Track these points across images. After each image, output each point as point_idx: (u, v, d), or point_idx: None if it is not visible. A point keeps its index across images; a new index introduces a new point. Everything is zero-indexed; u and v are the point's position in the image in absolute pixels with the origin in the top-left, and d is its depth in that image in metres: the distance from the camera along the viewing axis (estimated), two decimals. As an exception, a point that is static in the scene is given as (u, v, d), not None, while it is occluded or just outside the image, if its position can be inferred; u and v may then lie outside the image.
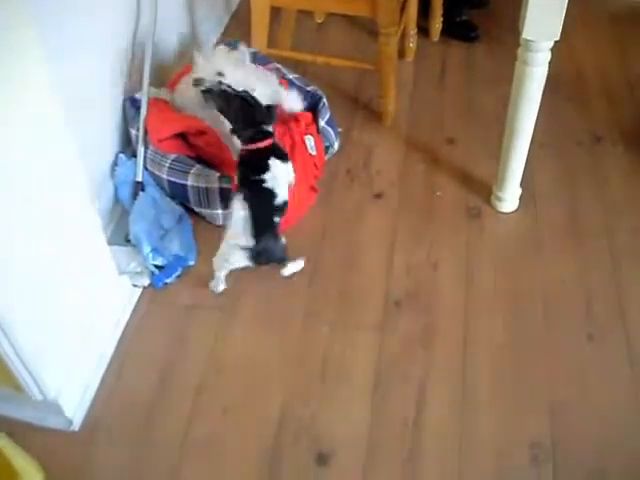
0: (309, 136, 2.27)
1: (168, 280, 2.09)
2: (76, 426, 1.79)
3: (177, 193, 2.19)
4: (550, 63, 1.91)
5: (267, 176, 1.94)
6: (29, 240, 1.55)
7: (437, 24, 3.06)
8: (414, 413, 1.80)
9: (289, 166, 2.01)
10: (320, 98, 2.42)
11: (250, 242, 1.92)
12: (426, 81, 2.89)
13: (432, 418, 1.79)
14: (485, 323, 2.00)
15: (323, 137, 2.38)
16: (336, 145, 2.46)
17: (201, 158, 2.27)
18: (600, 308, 2.03)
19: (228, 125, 2.03)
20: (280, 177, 1.97)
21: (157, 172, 2.19)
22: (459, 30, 3.10)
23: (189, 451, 1.75)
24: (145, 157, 2.21)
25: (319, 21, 3.20)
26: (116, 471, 1.73)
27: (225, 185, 2.14)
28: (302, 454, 1.73)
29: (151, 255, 2.03)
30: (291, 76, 2.47)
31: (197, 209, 2.22)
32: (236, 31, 3.02)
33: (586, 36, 3.03)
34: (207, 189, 2.15)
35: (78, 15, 1.92)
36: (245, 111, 1.97)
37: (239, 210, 1.93)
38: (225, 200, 2.15)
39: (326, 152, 2.41)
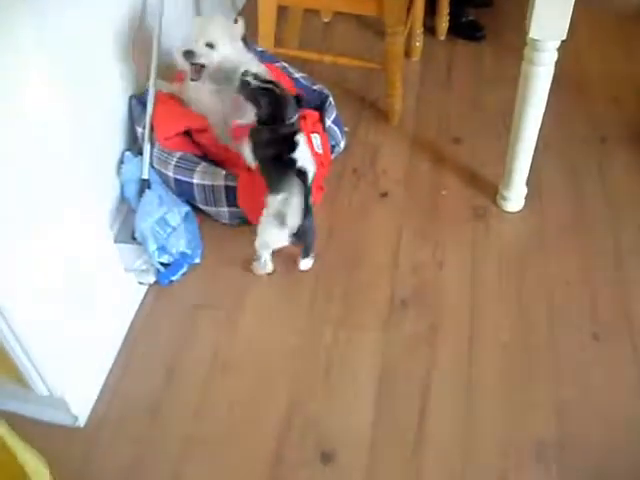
0: (315, 135, 2.27)
1: (174, 278, 2.10)
2: (81, 422, 1.80)
3: (183, 191, 2.20)
4: (556, 63, 1.91)
5: (297, 155, 1.94)
6: (35, 238, 1.56)
7: (443, 23, 3.06)
8: (418, 412, 1.80)
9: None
10: (327, 97, 2.42)
11: (297, 222, 1.95)
12: (432, 80, 2.89)
13: (436, 417, 1.79)
14: (490, 322, 2.00)
15: (329, 136, 2.38)
16: (342, 144, 2.46)
17: (207, 156, 2.28)
18: (605, 307, 2.02)
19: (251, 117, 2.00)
20: (307, 156, 1.99)
21: (163, 170, 2.20)
22: (465, 30, 3.10)
23: (193, 449, 1.75)
24: (151, 155, 2.21)
25: (326, 20, 3.20)
26: (121, 467, 1.73)
27: (231, 183, 2.14)
28: (306, 452, 1.74)
29: (157, 253, 2.03)
30: (297, 75, 2.48)
31: (203, 207, 2.23)
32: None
33: (592, 36, 3.03)
34: (213, 187, 2.16)
35: (82, 13, 1.93)
36: (277, 108, 1.94)
37: (291, 188, 1.93)
38: (231, 198, 2.16)
39: (332, 151, 2.41)
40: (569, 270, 2.13)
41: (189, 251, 2.11)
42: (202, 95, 2.22)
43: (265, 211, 1.99)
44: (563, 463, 1.70)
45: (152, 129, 2.21)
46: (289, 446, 1.75)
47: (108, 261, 1.95)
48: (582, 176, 2.43)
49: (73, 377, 1.77)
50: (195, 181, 2.16)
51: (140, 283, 2.09)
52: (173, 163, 2.18)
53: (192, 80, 2.15)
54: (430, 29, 3.06)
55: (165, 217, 2.06)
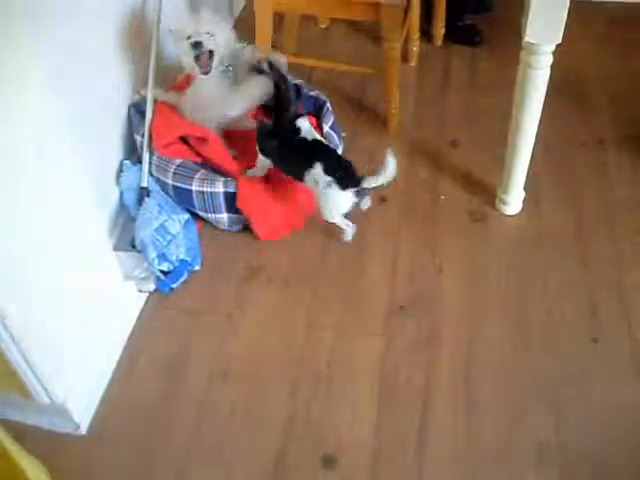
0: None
1: (174, 285, 2.10)
2: (83, 430, 1.81)
3: (182, 198, 2.21)
4: (552, 66, 1.92)
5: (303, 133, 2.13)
6: (35, 247, 1.56)
7: (440, 28, 3.07)
8: (419, 416, 1.81)
9: None
10: (324, 103, 2.43)
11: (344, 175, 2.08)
12: (430, 85, 2.90)
13: (437, 421, 1.80)
14: (489, 326, 2.00)
15: (327, 142, 2.38)
16: (340, 150, 2.46)
17: (206, 163, 2.29)
18: (604, 311, 2.03)
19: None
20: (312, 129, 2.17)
21: (162, 177, 2.21)
22: (462, 34, 3.10)
23: (195, 455, 1.76)
24: (150, 163, 2.22)
25: (323, 26, 3.21)
26: (123, 475, 1.74)
27: (230, 189, 2.15)
28: (308, 457, 1.74)
29: (157, 261, 2.04)
30: (295, 81, 2.48)
31: (202, 214, 2.23)
32: (240, 37, 3.02)
33: (587, 39, 3.03)
34: (212, 194, 2.16)
35: (81, 24, 1.94)
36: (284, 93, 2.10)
37: (316, 159, 2.08)
38: (230, 204, 2.17)
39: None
40: (568, 273, 2.13)
41: (189, 258, 2.12)
42: (206, 92, 2.26)
43: (315, 188, 2.09)
44: (564, 465, 1.70)
45: (150, 137, 2.22)
46: (290, 451, 1.76)
47: (108, 269, 1.96)
48: (580, 179, 2.43)
49: (74, 385, 1.77)
50: (194, 188, 2.17)
51: (140, 291, 2.09)
52: (172, 170, 2.19)
53: (203, 74, 2.19)
54: (427, 34, 3.07)
55: (165, 225, 2.06)
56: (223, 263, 2.20)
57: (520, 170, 2.19)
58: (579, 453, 1.72)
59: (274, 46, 2.61)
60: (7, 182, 1.44)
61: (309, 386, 1.89)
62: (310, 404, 1.85)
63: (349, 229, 2.20)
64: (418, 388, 1.87)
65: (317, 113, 2.41)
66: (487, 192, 2.36)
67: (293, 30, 2.88)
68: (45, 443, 1.75)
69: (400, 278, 2.14)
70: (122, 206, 2.19)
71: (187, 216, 2.16)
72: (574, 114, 2.70)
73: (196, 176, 2.18)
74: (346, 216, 2.17)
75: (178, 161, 2.21)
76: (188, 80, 2.35)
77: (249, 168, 2.26)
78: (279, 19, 2.62)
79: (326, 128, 2.37)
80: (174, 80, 2.44)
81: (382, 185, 2.05)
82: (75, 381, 1.77)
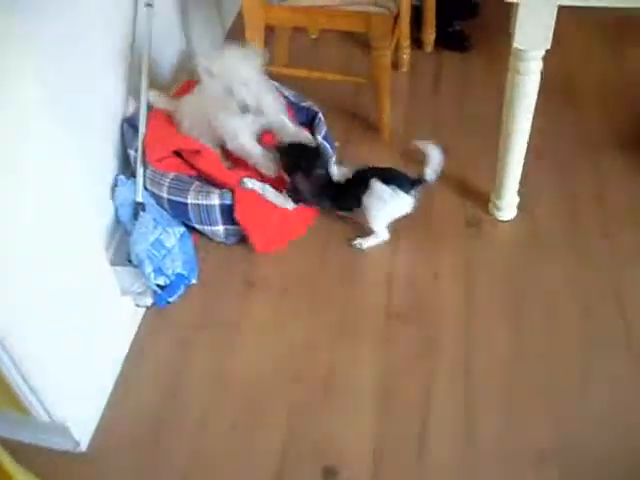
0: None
1: (171, 299, 2.11)
2: (83, 447, 1.80)
3: (178, 212, 2.21)
4: (543, 71, 1.93)
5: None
6: (31, 262, 1.56)
7: (430, 35, 3.08)
8: (419, 424, 1.81)
9: None
10: (316, 113, 2.44)
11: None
12: (421, 92, 2.91)
13: (437, 429, 1.80)
14: (487, 332, 2.01)
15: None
16: (334, 159, 2.47)
17: (201, 176, 2.29)
18: (601, 314, 2.03)
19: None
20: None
21: (157, 191, 2.21)
22: (452, 40, 3.12)
23: (196, 469, 1.76)
24: (145, 177, 2.22)
25: (313, 37, 3.23)
26: (125, 491, 1.74)
27: (225, 201, 2.16)
28: (309, 469, 1.74)
29: (153, 275, 2.04)
30: (287, 93, 2.49)
31: (198, 226, 2.24)
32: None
33: (578, 44, 3.05)
34: (207, 206, 2.17)
35: (75, 39, 1.94)
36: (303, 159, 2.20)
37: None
38: (226, 216, 2.17)
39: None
40: (563, 278, 2.14)
41: (185, 272, 2.12)
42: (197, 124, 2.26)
43: (378, 203, 2.16)
44: (564, 471, 1.70)
45: (144, 152, 2.22)
46: (291, 463, 1.76)
47: (105, 284, 1.96)
48: (574, 184, 2.44)
49: (73, 402, 1.77)
50: (189, 201, 2.17)
51: (137, 305, 2.10)
52: (167, 184, 2.19)
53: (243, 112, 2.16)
54: (417, 41, 3.08)
55: (160, 239, 2.06)
56: (220, 276, 2.20)
57: (513, 175, 2.20)
58: (579, 457, 1.73)
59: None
60: (3, 199, 1.45)
61: (308, 397, 1.89)
62: (310, 415, 1.85)
63: (384, 239, 2.24)
64: (417, 397, 1.87)
65: (310, 124, 2.42)
66: (481, 197, 2.37)
67: (284, 41, 2.89)
68: (45, 461, 1.75)
69: (397, 285, 2.15)
70: (117, 221, 2.20)
71: (183, 229, 2.17)
72: (567, 118, 2.71)
73: (191, 189, 2.18)
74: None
75: (172, 174, 2.22)
76: (183, 93, 2.37)
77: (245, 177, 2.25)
78: (270, 31, 2.63)
79: (319, 138, 2.37)
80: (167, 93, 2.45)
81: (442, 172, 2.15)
82: (74, 398, 1.77)
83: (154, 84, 2.35)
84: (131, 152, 2.25)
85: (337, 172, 2.26)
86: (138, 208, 2.17)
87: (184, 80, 2.56)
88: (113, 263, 2.07)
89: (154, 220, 2.13)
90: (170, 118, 2.34)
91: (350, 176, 2.22)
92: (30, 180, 1.54)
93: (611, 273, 2.14)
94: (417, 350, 1.97)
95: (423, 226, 2.30)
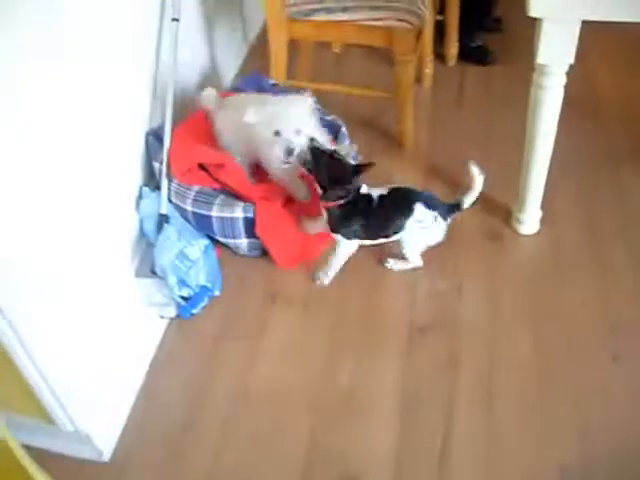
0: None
1: (194, 311, 2.12)
2: (106, 457, 1.82)
3: (202, 224, 2.23)
4: (567, 86, 1.93)
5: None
6: (59, 275, 1.59)
7: (453, 49, 3.09)
8: (441, 438, 1.81)
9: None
10: (340, 127, 2.45)
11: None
12: (444, 106, 2.92)
13: (459, 443, 1.80)
14: (510, 347, 2.00)
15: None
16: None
17: (225, 189, 2.31)
18: (624, 329, 2.02)
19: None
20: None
21: (181, 204, 2.23)
22: (474, 55, 3.13)
23: (219, 480, 1.77)
24: (169, 189, 2.24)
25: (337, 51, 3.24)
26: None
27: (249, 215, 2.17)
28: (330, 478, 1.75)
29: (177, 287, 2.06)
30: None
31: (222, 239, 2.25)
32: (255, 63, 3.07)
33: (602, 58, 3.04)
34: (231, 219, 2.18)
35: (100, 51, 1.97)
36: (336, 171, 2.03)
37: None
38: (249, 229, 2.18)
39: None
40: (587, 292, 2.13)
41: (209, 284, 2.14)
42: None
43: (418, 229, 2.09)
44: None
45: (169, 164, 2.24)
46: (313, 472, 1.76)
47: (129, 296, 1.98)
48: (597, 198, 2.43)
49: (97, 412, 1.79)
50: (213, 214, 2.19)
51: (161, 317, 2.11)
52: (191, 197, 2.21)
53: (285, 164, 2.13)
54: (439, 55, 3.09)
55: (184, 251, 2.08)
56: (243, 288, 2.21)
57: (536, 189, 2.20)
58: (603, 473, 1.71)
59: (289, 72, 2.64)
60: (30, 213, 1.48)
61: (331, 409, 1.89)
62: (332, 425, 1.86)
63: (417, 265, 2.22)
64: (439, 411, 1.87)
65: (334, 137, 2.43)
66: (503, 211, 2.37)
67: (308, 56, 2.92)
68: (68, 470, 1.77)
69: (419, 300, 2.15)
70: (142, 233, 2.22)
71: (207, 242, 2.18)
72: (591, 132, 2.70)
73: (215, 202, 2.20)
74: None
75: (197, 188, 2.23)
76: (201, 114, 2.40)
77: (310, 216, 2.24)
78: (293, 45, 2.65)
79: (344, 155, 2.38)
80: (188, 112, 2.47)
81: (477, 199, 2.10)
82: (98, 408, 1.79)
83: (179, 97, 2.37)
84: (156, 164, 2.27)
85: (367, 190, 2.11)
86: (162, 220, 2.18)
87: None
88: (138, 274, 2.09)
89: (178, 232, 2.14)
90: (196, 130, 2.35)
91: (385, 193, 2.10)
92: (53, 190, 1.56)
93: (634, 289, 2.12)
94: (440, 364, 1.97)
95: (446, 239, 2.29)
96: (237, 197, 2.27)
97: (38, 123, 1.55)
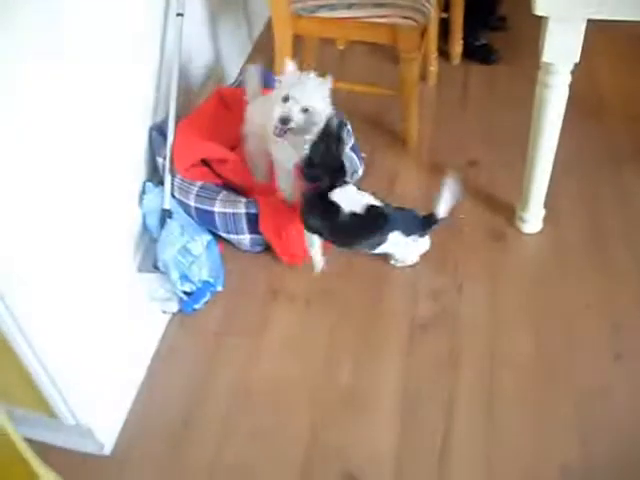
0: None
1: (197, 306, 2.12)
2: (107, 450, 1.83)
3: (204, 220, 2.23)
4: (571, 85, 1.92)
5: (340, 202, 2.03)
6: (61, 268, 1.59)
7: (457, 47, 3.09)
8: (441, 437, 1.81)
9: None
10: (344, 124, 2.44)
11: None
12: (448, 104, 2.91)
13: (459, 441, 1.80)
14: (511, 345, 2.00)
15: (347, 163, 2.39)
16: (360, 171, 2.48)
17: (227, 185, 2.31)
18: (626, 328, 2.02)
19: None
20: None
21: (184, 199, 2.23)
22: (479, 53, 3.12)
23: (218, 476, 1.77)
24: (172, 185, 2.24)
25: (341, 48, 3.24)
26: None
27: (252, 210, 2.17)
28: (331, 476, 1.75)
29: (180, 282, 2.06)
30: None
31: (224, 235, 2.25)
32: (259, 59, 3.06)
33: (607, 58, 3.04)
34: (234, 215, 2.19)
35: (102, 47, 1.97)
36: (332, 154, 2.03)
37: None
38: (252, 225, 2.19)
39: (351, 177, 2.42)
40: (589, 291, 2.13)
41: (211, 279, 2.14)
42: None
43: (396, 248, 2.12)
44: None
45: (172, 160, 2.24)
46: (313, 470, 1.76)
47: (131, 290, 1.98)
48: (600, 198, 2.43)
49: (99, 406, 1.79)
50: (216, 210, 2.19)
51: (163, 312, 2.12)
52: (194, 192, 2.21)
53: (276, 137, 2.05)
54: (444, 53, 3.09)
55: (187, 246, 2.08)
56: (245, 284, 2.22)
57: (539, 188, 2.19)
58: (604, 473, 1.71)
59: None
60: (34, 209, 1.48)
61: (331, 406, 1.90)
62: (332, 422, 1.86)
63: (415, 260, 2.23)
64: (440, 409, 1.87)
65: (337, 134, 2.43)
66: (506, 210, 2.36)
67: (312, 52, 2.91)
68: (70, 463, 1.77)
69: (420, 297, 2.15)
70: (145, 228, 2.22)
71: (209, 237, 2.19)
72: (595, 132, 2.69)
73: (218, 198, 2.20)
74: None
75: (200, 183, 2.24)
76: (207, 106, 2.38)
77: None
78: (298, 41, 2.65)
79: (346, 149, 2.38)
80: (192, 107, 2.47)
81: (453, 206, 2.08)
82: (100, 402, 1.79)
83: (183, 92, 2.37)
84: (159, 159, 2.27)
85: (349, 199, 2.04)
86: (165, 215, 2.19)
87: (213, 88, 2.59)
88: (140, 269, 2.09)
89: (181, 227, 2.14)
90: (199, 125, 2.35)
91: (359, 212, 2.02)
92: (57, 185, 1.56)
93: (637, 288, 2.12)
94: (441, 363, 1.97)
95: (448, 238, 2.30)
96: (240, 193, 2.27)
97: (40, 120, 1.56)
